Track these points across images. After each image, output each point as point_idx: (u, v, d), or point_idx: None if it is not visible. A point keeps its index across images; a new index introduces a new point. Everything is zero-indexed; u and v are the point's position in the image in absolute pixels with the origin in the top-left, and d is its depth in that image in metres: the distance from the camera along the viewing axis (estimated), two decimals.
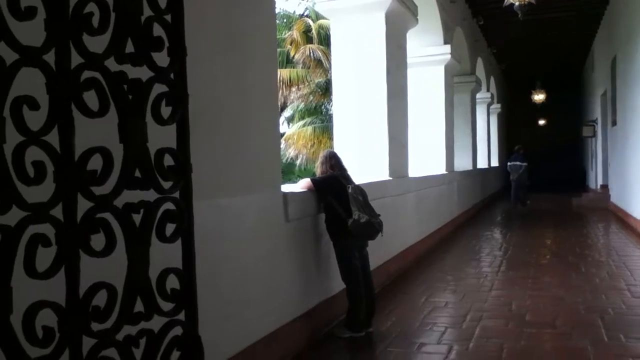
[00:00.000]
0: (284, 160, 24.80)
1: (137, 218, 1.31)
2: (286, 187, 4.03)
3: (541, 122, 23.70)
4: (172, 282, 1.39)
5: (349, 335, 4.07)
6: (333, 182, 4.13)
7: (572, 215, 12.39)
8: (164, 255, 1.41)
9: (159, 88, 1.38)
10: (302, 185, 4.18)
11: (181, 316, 1.41)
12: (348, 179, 4.23)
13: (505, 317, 4.44)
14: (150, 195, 1.35)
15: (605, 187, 14.09)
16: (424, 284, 5.71)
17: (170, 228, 1.38)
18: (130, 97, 1.30)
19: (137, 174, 1.31)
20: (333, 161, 4.26)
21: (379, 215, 4.12)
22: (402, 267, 6.35)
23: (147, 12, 1.37)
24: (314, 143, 20.86)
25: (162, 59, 1.40)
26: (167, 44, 1.40)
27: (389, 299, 5.09)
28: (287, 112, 25.70)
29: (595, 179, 16.36)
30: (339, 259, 4.12)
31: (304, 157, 21.80)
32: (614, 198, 12.36)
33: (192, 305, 1.42)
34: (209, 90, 2.94)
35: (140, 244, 1.28)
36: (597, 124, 15.99)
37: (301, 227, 4.00)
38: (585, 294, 5.12)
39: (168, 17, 1.42)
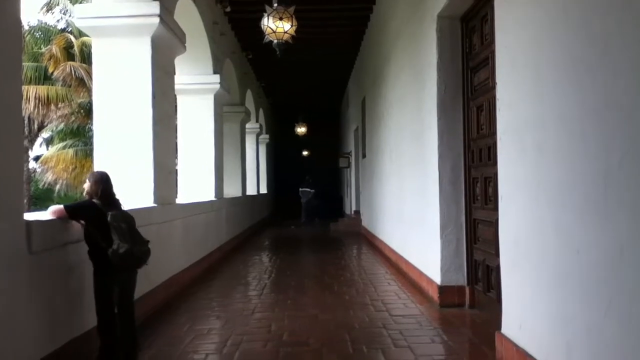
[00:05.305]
0: (40, 186, 22.39)
1: None
2: (31, 215, 3.64)
3: (305, 152, 25.67)
4: None
5: None
6: (89, 209, 3.84)
7: (331, 239, 13.57)
8: None
9: None
10: (52, 212, 3.80)
11: None
12: (113, 205, 3.94)
13: (265, 339, 4.62)
14: None
15: (357, 213, 15.74)
16: (189, 312, 5.65)
17: None
18: None
19: None
20: (103, 184, 3.93)
21: (149, 241, 3.93)
22: (167, 296, 6.18)
23: None
24: (76, 167, 19.36)
25: None
26: None
27: (150, 331, 4.90)
28: (46, 133, 23.40)
29: (350, 206, 18.19)
30: (95, 291, 3.83)
31: (64, 182, 20.03)
32: (365, 223, 13.88)
33: None
34: None
35: None
36: (351, 156, 17.88)
37: (49, 258, 3.63)
38: (336, 311, 5.60)
39: None
